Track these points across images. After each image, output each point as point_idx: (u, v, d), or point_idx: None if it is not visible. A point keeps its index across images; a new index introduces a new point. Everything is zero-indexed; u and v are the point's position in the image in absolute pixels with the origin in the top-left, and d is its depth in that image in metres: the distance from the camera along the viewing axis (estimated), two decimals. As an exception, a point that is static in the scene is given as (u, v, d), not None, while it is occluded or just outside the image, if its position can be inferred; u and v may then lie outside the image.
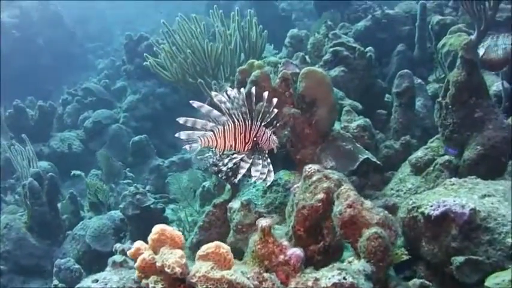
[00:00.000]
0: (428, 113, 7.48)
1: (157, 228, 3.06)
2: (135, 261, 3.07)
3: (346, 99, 7.23)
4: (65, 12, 24.60)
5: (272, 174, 4.19)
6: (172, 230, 3.05)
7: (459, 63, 5.23)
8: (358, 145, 5.97)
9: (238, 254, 5.41)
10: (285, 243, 3.18)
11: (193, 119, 4.21)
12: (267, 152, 4.31)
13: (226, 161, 4.26)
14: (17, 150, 10.51)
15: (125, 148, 12.78)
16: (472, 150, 5.09)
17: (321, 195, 3.61)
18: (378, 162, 5.95)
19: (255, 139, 4.26)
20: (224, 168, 4.25)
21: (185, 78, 9.45)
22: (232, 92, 4.13)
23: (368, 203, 3.34)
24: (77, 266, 7.33)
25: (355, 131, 6.32)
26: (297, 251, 3.15)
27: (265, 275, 2.93)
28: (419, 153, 5.73)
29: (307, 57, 8.07)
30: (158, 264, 2.87)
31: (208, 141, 4.23)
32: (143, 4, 28.86)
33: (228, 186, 6.09)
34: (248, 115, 4.17)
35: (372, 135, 6.44)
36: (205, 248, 2.92)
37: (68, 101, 15.79)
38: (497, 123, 5.06)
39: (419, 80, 7.83)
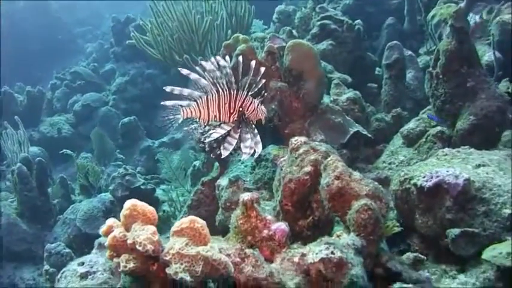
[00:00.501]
0: (419, 85, 7.34)
1: (128, 203, 2.85)
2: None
3: (335, 73, 7.11)
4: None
5: (260, 145, 3.98)
6: (143, 205, 2.84)
7: (449, 31, 5.10)
8: (349, 118, 5.85)
9: (227, 232, 5.35)
10: (269, 217, 3.01)
11: (179, 88, 4.07)
12: (254, 123, 4.13)
13: (210, 132, 4.05)
14: (8, 134, 10.37)
15: (115, 130, 12.64)
16: (464, 120, 4.97)
17: (308, 168, 3.46)
18: (369, 135, 5.83)
19: (240, 109, 4.06)
20: (207, 140, 4.05)
21: (172, 56, 9.31)
22: (221, 61, 3.96)
23: (357, 174, 3.20)
24: (67, 250, 7.22)
25: (344, 104, 6.20)
26: (282, 225, 2.99)
27: (248, 251, 2.74)
28: (411, 124, 5.63)
29: (294, 31, 7.93)
30: (129, 241, 2.66)
31: (191, 111, 4.07)
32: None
33: (217, 164, 5.98)
34: (234, 84, 3.99)
35: (362, 108, 6.33)
36: (179, 224, 2.73)
37: (56, 85, 15.60)
38: (490, 93, 4.94)
39: (409, 52, 7.68)
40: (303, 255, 2.78)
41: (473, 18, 8.37)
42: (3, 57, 18.54)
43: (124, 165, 9.06)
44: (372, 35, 9.87)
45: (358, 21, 8.13)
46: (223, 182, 5.28)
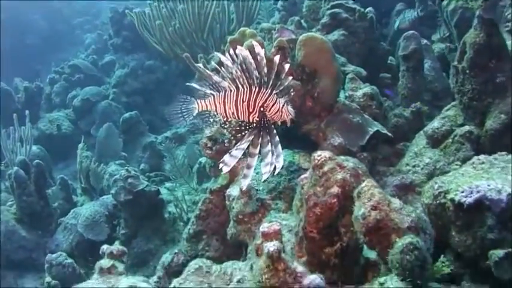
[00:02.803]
0: (436, 76, 6.97)
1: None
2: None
3: (348, 65, 6.69)
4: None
5: (281, 159, 3.42)
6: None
7: (476, 23, 4.67)
8: (366, 116, 5.45)
9: (240, 246, 4.97)
10: (300, 268, 2.57)
11: (210, 73, 3.69)
12: (278, 124, 3.69)
13: (233, 143, 3.65)
14: (7, 133, 10.04)
15: (116, 125, 12.23)
16: (495, 119, 4.57)
17: (335, 189, 3.04)
18: (389, 134, 5.43)
19: (262, 109, 3.64)
20: (228, 160, 3.57)
21: (173, 49, 8.93)
22: (242, 52, 3.53)
23: (396, 202, 2.79)
24: (69, 260, 6.90)
25: (361, 100, 5.78)
26: (316, 280, 2.54)
27: None
28: (435, 123, 5.20)
29: (302, 21, 7.49)
30: None
31: (206, 104, 3.70)
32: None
33: (225, 169, 5.58)
34: (255, 81, 3.56)
35: (379, 103, 5.92)
36: None
37: (55, 79, 15.24)
38: (522, 88, 4.53)
39: (425, 41, 7.25)
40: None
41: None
42: (2, 51, 18.21)
43: (126, 167, 8.66)
44: (382, 22, 9.47)
45: (370, 8, 7.69)
46: (233, 191, 4.88)
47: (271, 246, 2.57)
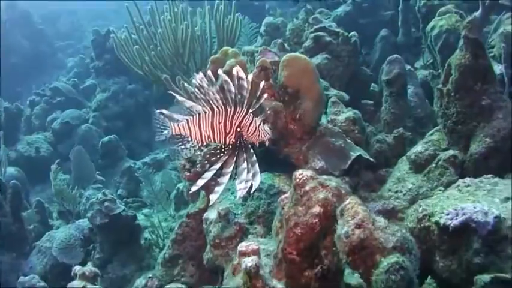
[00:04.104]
0: (420, 102, 6.88)
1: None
2: None
3: (331, 90, 6.59)
4: (34, 10, 23.82)
5: (258, 177, 3.42)
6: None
7: (462, 43, 4.60)
8: (349, 140, 5.34)
9: (217, 272, 4.81)
10: (279, 286, 2.43)
11: (183, 98, 3.62)
12: (256, 145, 3.60)
13: (206, 167, 3.54)
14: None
15: (95, 150, 12.10)
16: (479, 143, 4.47)
17: (316, 209, 2.89)
18: (371, 159, 5.32)
19: (238, 129, 3.56)
20: (199, 183, 3.48)
21: (154, 72, 8.83)
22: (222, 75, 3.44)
23: (381, 221, 2.65)
24: (42, 283, 6.74)
25: (343, 124, 5.68)
26: None
27: None
28: (418, 148, 5.10)
29: (285, 44, 7.41)
30: None
31: (180, 128, 3.61)
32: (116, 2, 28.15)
33: (203, 193, 5.43)
34: (230, 101, 3.49)
35: (362, 128, 5.83)
36: None
37: (35, 101, 15.07)
38: (508, 112, 4.44)
39: (408, 66, 7.20)
40: None
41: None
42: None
43: (103, 190, 8.49)
44: (365, 48, 9.44)
45: (354, 33, 7.64)
46: (211, 215, 4.73)
47: (249, 261, 2.43)
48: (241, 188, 3.34)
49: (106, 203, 7.33)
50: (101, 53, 14.57)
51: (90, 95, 14.92)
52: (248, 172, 3.40)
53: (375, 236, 2.57)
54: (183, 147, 3.71)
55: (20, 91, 19.23)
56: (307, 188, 3.03)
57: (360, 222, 2.61)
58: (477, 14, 5.91)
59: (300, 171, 3.13)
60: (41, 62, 21.73)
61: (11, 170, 11.10)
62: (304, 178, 3.08)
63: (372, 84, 7.93)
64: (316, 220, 2.90)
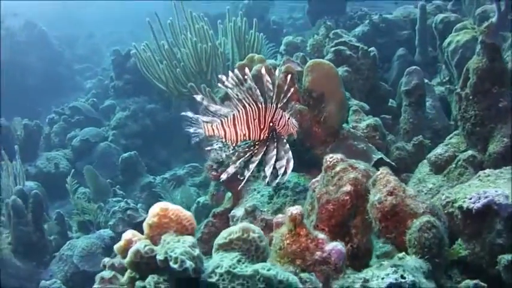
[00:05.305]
0: (437, 114, 7.04)
1: (156, 208, 2.34)
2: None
3: (352, 100, 6.77)
4: (52, 33, 24.11)
5: (292, 163, 3.56)
6: (178, 209, 2.33)
7: (479, 48, 4.76)
8: (370, 145, 5.50)
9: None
10: (322, 236, 2.54)
11: (207, 102, 3.71)
12: (283, 138, 3.74)
13: (249, 164, 3.64)
14: (3, 168, 9.99)
15: (114, 167, 12.28)
16: (497, 143, 4.61)
17: (347, 187, 3.06)
18: (392, 163, 5.47)
19: (271, 124, 3.69)
20: (247, 174, 3.61)
21: (177, 87, 9.02)
22: (240, 73, 3.60)
23: (411, 190, 2.82)
24: (63, 287, 6.80)
25: (365, 131, 5.85)
26: (338, 246, 2.51)
27: (303, 275, 2.28)
28: (438, 150, 5.24)
29: (307, 58, 7.61)
30: (160, 257, 2.12)
31: (213, 129, 3.70)
32: (133, 25, 28.50)
33: (229, 194, 5.58)
34: (260, 97, 3.61)
35: (383, 135, 6.00)
36: (226, 234, 2.31)
37: (54, 120, 15.28)
38: (525, 112, 4.59)
39: (426, 80, 7.37)
40: (365, 280, 2.34)
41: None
42: (3, 91, 18.19)
43: (125, 199, 8.64)
44: (383, 67, 9.63)
45: (373, 48, 7.85)
46: (238, 212, 4.87)
47: (294, 209, 2.56)
48: (269, 174, 3.50)
49: (129, 212, 7.49)
50: (121, 72, 14.86)
51: (109, 114, 15.11)
52: (282, 159, 3.55)
53: (406, 203, 2.72)
54: (212, 148, 3.85)
55: (40, 111, 19.44)
56: (337, 169, 3.20)
57: (391, 189, 2.77)
58: (493, 19, 6.11)
59: (331, 154, 3.30)
60: (60, 84, 21.88)
61: (31, 184, 11.23)
62: (335, 160, 3.26)
63: (390, 100, 8.06)
64: (348, 197, 3.05)
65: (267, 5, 19.00)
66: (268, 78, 3.59)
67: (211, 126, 3.69)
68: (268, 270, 2.08)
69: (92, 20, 33.13)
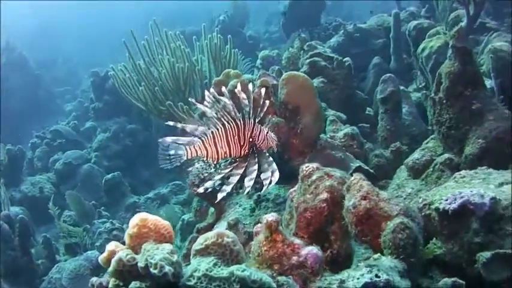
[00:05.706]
0: (414, 120, 7.12)
1: (135, 219, 2.46)
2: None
3: (329, 110, 6.85)
4: (31, 56, 24.05)
5: (277, 173, 3.60)
6: (156, 219, 2.45)
7: (451, 53, 4.86)
8: (348, 154, 5.57)
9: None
10: (298, 241, 2.62)
11: (181, 124, 3.76)
12: (265, 152, 3.78)
13: (229, 180, 3.66)
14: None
15: (98, 188, 12.31)
16: (473, 145, 4.69)
17: (324, 195, 3.13)
18: (371, 170, 5.54)
19: (251, 140, 3.74)
20: (227, 188, 3.61)
21: (156, 105, 9.07)
22: (216, 90, 3.66)
23: (384, 194, 2.89)
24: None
25: (342, 140, 5.93)
26: (313, 250, 2.60)
27: (280, 279, 2.35)
28: (415, 155, 5.32)
29: (283, 71, 7.70)
30: (141, 264, 2.24)
31: (196, 150, 3.72)
32: (110, 47, 28.48)
33: (212, 209, 5.63)
34: (238, 114, 3.67)
35: (360, 143, 6.08)
36: (203, 240, 2.37)
37: (36, 144, 15.31)
38: (498, 114, 4.68)
39: (401, 87, 7.47)
40: (342, 282, 2.41)
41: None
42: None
43: (111, 220, 8.66)
44: (359, 76, 9.72)
45: (348, 58, 7.94)
46: (221, 226, 4.93)
47: (270, 217, 2.63)
48: (266, 183, 3.55)
49: (114, 232, 7.52)
50: (101, 94, 14.95)
51: (91, 136, 15.17)
52: (267, 171, 3.60)
53: (380, 206, 2.80)
54: (199, 166, 3.88)
55: (20, 136, 19.36)
56: (314, 177, 3.27)
57: (365, 194, 2.84)
58: (463, 24, 6.24)
59: (307, 164, 3.37)
60: (39, 107, 21.79)
61: (16, 209, 11.21)
62: (311, 169, 3.33)
63: (368, 108, 8.14)
64: (324, 205, 3.12)
65: (243, 21, 19.17)
66: (244, 95, 3.64)
67: (194, 147, 3.72)
68: (243, 271, 2.18)
69: (69, 42, 33.06)
